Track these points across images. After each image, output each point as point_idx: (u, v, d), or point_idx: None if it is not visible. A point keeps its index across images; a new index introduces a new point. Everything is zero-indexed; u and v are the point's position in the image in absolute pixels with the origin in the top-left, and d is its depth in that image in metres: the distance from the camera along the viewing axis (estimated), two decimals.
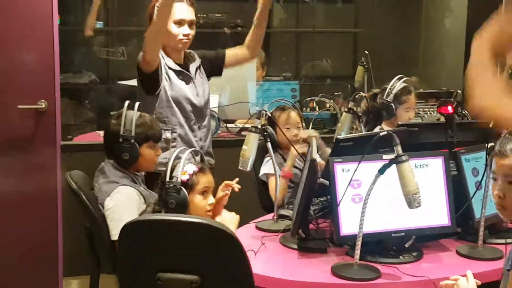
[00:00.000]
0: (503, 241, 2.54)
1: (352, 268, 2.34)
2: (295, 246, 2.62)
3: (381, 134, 2.33)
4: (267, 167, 3.31)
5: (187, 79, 3.32)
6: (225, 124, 4.44)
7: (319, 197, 2.91)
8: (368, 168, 2.39)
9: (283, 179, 3.16)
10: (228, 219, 2.63)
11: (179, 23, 3.23)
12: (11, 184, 3.66)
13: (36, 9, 3.62)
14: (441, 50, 6.47)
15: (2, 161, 3.66)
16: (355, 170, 2.37)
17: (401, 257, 2.48)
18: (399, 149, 2.25)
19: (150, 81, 3.21)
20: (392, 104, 3.55)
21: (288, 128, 3.40)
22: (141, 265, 2.25)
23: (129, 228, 2.24)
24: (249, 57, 3.63)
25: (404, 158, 2.24)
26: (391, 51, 6.72)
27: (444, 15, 6.52)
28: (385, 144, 2.39)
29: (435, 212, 2.58)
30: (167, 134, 3.23)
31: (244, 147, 2.90)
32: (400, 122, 3.21)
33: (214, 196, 2.67)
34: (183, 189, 2.48)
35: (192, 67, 3.37)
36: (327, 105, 4.60)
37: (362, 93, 3.91)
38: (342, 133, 3.43)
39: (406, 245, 2.54)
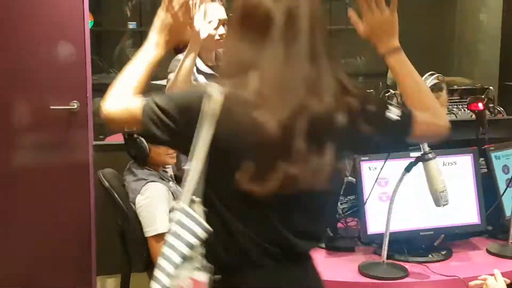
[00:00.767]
0: None
1: (380, 267, 2.33)
2: (323, 245, 2.60)
3: None
4: None
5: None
6: None
7: (347, 196, 2.89)
8: (396, 166, 2.37)
9: None
10: None
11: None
12: (44, 184, 3.72)
13: (68, 10, 3.66)
14: (476, 45, 6.39)
15: (35, 161, 3.72)
16: (382, 168, 2.35)
17: (429, 255, 2.46)
18: (425, 146, 2.22)
19: None
20: None
21: None
22: None
23: None
24: None
25: (430, 155, 2.21)
26: (424, 47, 6.64)
27: (479, 9, 6.43)
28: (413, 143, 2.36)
29: (464, 210, 2.54)
30: None
31: None
32: None
33: None
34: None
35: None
36: None
37: (392, 91, 3.87)
38: None
39: (435, 244, 2.51)
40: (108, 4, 6.17)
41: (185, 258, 1.48)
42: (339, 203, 2.77)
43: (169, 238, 1.49)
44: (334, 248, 2.58)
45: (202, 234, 1.47)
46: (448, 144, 2.66)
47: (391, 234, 2.30)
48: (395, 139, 1.70)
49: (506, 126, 3.86)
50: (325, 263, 2.49)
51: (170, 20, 1.73)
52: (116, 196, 2.80)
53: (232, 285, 1.57)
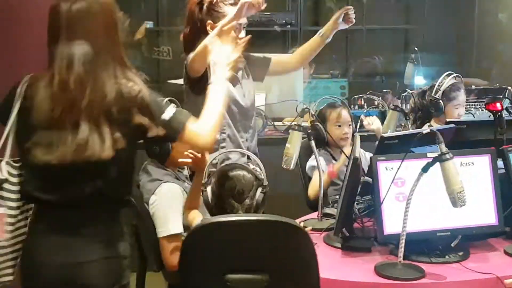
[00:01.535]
0: None
1: (396, 268, 2.32)
2: (339, 245, 2.60)
3: (424, 132, 2.30)
4: (314, 161, 3.29)
5: (234, 81, 3.26)
6: (272, 122, 4.44)
7: (364, 196, 2.88)
8: (413, 166, 2.36)
9: (327, 176, 3.14)
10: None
11: (236, 27, 3.16)
12: None
13: None
14: (495, 45, 6.34)
15: None
16: (398, 168, 2.34)
17: (447, 256, 2.44)
18: (442, 147, 2.21)
19: (198, 83, 3.19)
20: (440, 101, 3.48)
21: (339, 126, 3.38)
22: (209, 268, 2.22)
23: (197, 232, 2.22)
24: (299, 66, 3.56)
25: (447, 156, 2.20)
26: (443, 47, 6.62)
27: (498, 9, 6.38)
28: (432, 142, 2.35)
29: (482, 211, 2.52)
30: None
31: (287, 145, 2.90)
32: (447, 119, 3.15)
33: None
34: None
35: (239, 67, 3.35)
36: (376, 103, 4.55)
37: (409, 90, 3.86)
38: (389, 131, 3.39)
39: (452, 245, 2.49)
40: (125, 4, 6.19)
41: None
42: (355, 203, 2.77)
43: None
44: (350, 248, 2.57)
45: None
46: (465, 144, 2.66)
47: (408, 234, 2.29)
48: (166, 136, 2.06)
49: None
50: (341, 263, 2.49)
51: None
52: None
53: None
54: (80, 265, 1.98)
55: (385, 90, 4.88)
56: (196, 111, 3.04)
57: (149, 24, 6.05)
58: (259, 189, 2.42)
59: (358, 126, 3.68)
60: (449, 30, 6.70)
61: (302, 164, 3.44)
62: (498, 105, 2.75)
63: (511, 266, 2.39)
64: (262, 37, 5.96)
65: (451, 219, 2.47)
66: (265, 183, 2.43)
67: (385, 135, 2.80)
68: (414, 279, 2.27)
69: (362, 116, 3.65)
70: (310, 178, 3.38)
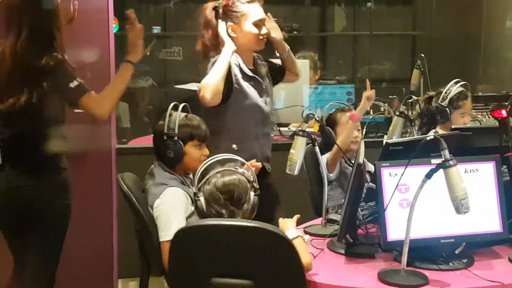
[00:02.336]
0: None
1: (399, 274, 2.31)
2: (343, 251, 2.60)
3: (428, 138, 2.29)
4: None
5: (258, 86, 3.26)
6: (278, 128, 4.44)
7: (368, 202, 2.88)
8: (417, 172, 2.35)
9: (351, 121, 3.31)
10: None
11: (257, 24, 3.20)
12: None
13: (92, 14, 3.69)
14: (503, 52, 6.33)
15: None
16: (402, 174, 2.34)
17: (451, 263, 2.44)
18: (446, 153, 2.21)
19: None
20: (447, 109, 3.47)
21: None
22: (194, 270, 2.25)
23: (182, 234, 2.24)
24: (294, 79, 3.65)
25: (451, 162, 2.20)
26: (450, 53, 6.61)
27: (505, 16, 6.37)
28: (436, 148, 2.34)
29: (486, 218, 2.52)
30: (232, 145, 3.18)
31: (291, 151, 2.89)
32: (453, 126, 3.14)
33: None
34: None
35: (263, 72, 3.33)
36: (381, 109, 4.55)
37: (414, 97, 3.85)
38: (394, 137, 3.39)
39: (456, 252, 2.49)
40: (133, 9, 6.21)
41: None
42: (359, 209, 2.76)
43: None
44: (354, 254, 2.57)
45: None
46: (471, 151, 2.66)
47: (412, 241, 2.29)
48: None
49: None
50: (344, 269, 2.49)
51: None
52: (134, 200, 2.79)
53: None
54: None
55: (391, 96, 4.87)
56: (215, 120, 3.09)
57: (156, 29, 6.07)
58: (252, 192, 2.42)
59: (363, 133, 3.68)
60: (456, 37, 6.68)
61: (308, 169, 3.44)
62: (503, 112, 2.75)
63: None
64: (269, 42, 5.95)
65: (455, 226, 2.46)
66: (256, 186, 2.44)
67: (390, 141, 2.80)
68: (417, 286, 2.26)
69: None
70: (317, 184, 3.38)
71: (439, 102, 3.49)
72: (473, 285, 2.29)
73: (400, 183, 2.38)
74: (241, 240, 2.20)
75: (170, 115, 2.82)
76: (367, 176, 2.89)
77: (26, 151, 2.87)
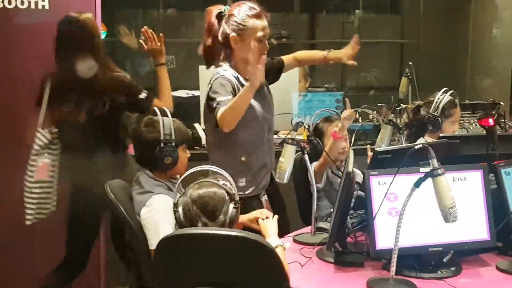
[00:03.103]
0: None
1: (388, 283, 2.31)
2: (332, 260, 2.60)
3: (416, 147, 2.30)
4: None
5: (262, 98, 3.19)
6: None
7: (357, 210, 2.89)
8: (405, 181, 2.36)
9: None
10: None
11: (261, 40, 3.10)
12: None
13: None
14: (489, 61, 6.37)
15: None
16: (391, 183, 2.35)
17: (439, 271, 2.44)
18: (434, 162, 2.22)
19: None
20: (439, 118, 3.47)
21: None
22: (178, 279, 2.25)
23: (166, 242, 2.24)
24: (291, 69, 3.61)
25: (439, 171, 2.21)
26: (438, 61, 6.65)
27: (492, 25, 6.42)
28: (425, 157, 2.36)
29: (474, 226, 2.53)
30: (241, 157, 3.14)
31: (281, 159, 2.90)
32: (441, 134, 3.16)
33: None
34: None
35: (262, 85, 3.19)
36: (370, 116, 4.57)
37: (402, 105, 3.87)
38: (382, 145, 3.40)
39: (444, 260, 2.50)
40: (121, 15, 6.21)
41: None
42: (348, 218, 2.77)
43: None
44: (343, 263, 2.57)
45: None
46: (458, 159, 2.67)
47: (400, 249, 2.29)
48: None
49: None
50: (333, 278, 2.49)
51: None
52: (121, 208, 2.77)
53: None
54: None
55: (380, 104, 4.89)
56: (216, 134, 3.05)
57: None
58: (231, 205, 2.41)
59: (352, 141, 3.69)
60: (444, 45, 6.72)
61: (296, 178, 3.43)
62: (490, 120, 2.76)
63: (503, 282, 2.40)
64: None
65: (443, 234, 2.47)
66: (237, 198, 2.42)
67: (378, 149, 2.81)
68: None
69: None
70: (305, 193, 3.39)
71: (430, 111, 3.48)
72: None
73: (389, 192, 2.39)
74: (225, 248, 2.20)
75: (163, 121, 2.82)
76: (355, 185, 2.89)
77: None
